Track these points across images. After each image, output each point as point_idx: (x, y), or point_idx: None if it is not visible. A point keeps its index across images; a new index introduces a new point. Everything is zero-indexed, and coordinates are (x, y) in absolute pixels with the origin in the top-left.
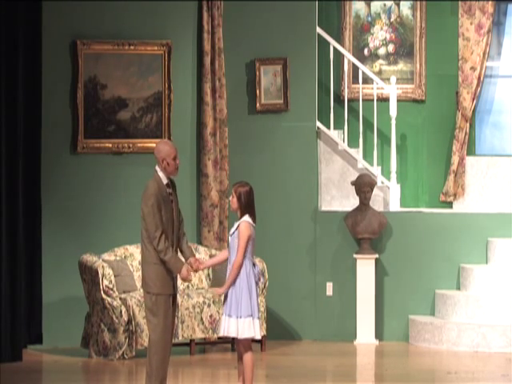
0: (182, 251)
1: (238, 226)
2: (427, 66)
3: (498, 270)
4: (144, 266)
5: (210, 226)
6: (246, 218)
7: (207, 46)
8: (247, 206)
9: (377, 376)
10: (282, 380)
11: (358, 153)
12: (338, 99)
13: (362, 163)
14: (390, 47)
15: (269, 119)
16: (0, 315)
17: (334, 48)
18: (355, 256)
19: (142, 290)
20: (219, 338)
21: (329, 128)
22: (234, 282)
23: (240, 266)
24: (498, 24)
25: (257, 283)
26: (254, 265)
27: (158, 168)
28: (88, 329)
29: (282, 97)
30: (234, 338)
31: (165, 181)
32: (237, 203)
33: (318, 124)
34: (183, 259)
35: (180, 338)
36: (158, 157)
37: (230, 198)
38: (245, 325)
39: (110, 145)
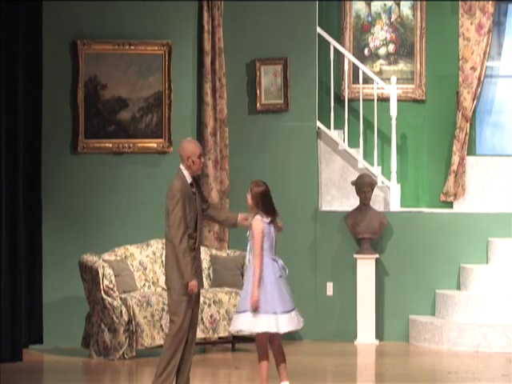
0: (225, 222)
1: (250, 226)
2: (427, 66)
3: (498, 270)
4: (167, 263)
5: (211, 226)
6: (257, 216)
7: (207, 46)
8: (262, 205)
9: (377, 376)
10: None
11: (358, 153)
12: (339, 99)
13: (362, 163)
14: (391, 47)
15: (269, 119)
16: (0, 315)
17: (335, 48)
18: (355, 256)
19: (143, 290)
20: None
21: (329, 128)
22: (259, 281)
23: (260, 264)
24: (498, 24)
25: (280, 277)
26: (275, 260)
27: (182, 166)
28: (88, 329)
29: (282, 97)
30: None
31: (189, 179)
32: (251, 201)
33: (319, 124)
34: (230, 223)
35: None
36: (183, 155)
37: (247, 194)
38: (284, 320)
39: (111, 145)
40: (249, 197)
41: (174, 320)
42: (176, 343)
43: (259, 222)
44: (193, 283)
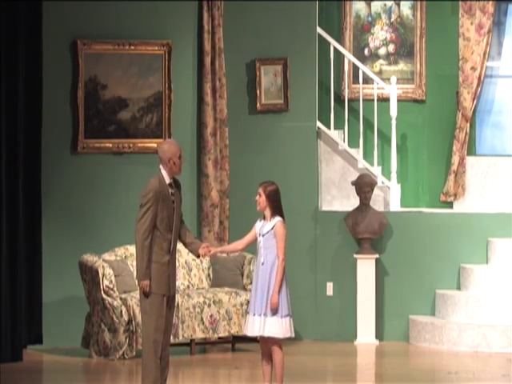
0: (190, 245)
1: (274, 226)
2: (427, 66)
3: (498, 270)
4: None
5: (211, 226)
6: (279, 217)
7: (207, 46)
8: (277, 204)
9: (377, 376)
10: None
11: (358, 153)
12: (339, 99)
13: (362, 163)
14: (391, 47)
15: (269, 119)
16: (0, 315)
17: (335, 48)
18: (355, 256)
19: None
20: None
21: (329, 128)
22: (281, 284)
23: (284, 267)
24: (498, 24)
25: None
26: None
27: (161, 167)
28: (88, 329)
29: (282, 97)
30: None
31: (167, 180)
32: (266, 202)
33: (319, 124)
34: (193, 252)
35: (180, 337)
36: (164, 157)
37: (257, 198)
38: (287, 324)
39: (111, 145)
40: (261, 199)
41: (147, 321)
42: (153, 345)
43: (283, 225)
44: (144, 283)
